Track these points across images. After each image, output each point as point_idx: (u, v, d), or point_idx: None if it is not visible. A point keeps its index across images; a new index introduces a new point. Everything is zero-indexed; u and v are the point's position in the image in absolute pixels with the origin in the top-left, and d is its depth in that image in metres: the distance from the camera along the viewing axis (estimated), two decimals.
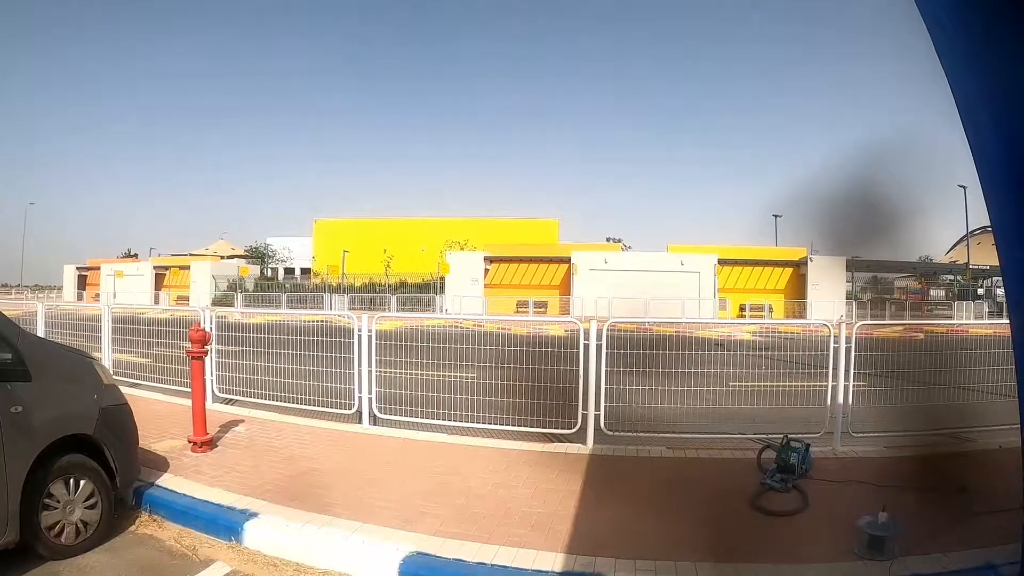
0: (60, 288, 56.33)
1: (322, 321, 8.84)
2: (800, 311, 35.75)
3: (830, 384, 6.51)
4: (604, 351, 6.58)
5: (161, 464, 5.55)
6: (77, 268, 55.43)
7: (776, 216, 50.06)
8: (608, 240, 57.30)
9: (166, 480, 5.17)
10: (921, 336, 8.63)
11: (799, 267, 38.85)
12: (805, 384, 6.99)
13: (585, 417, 6.52)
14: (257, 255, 60.01)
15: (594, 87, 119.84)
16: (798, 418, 6.47)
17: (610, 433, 6.49)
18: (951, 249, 52.06)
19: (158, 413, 7.51)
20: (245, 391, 8.08)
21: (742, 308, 37.12)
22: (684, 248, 40.12)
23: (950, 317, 32.32)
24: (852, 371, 6.52)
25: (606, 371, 6.58)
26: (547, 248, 44.71)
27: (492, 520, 4.46)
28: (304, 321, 9.11)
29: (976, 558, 3.72)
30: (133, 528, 4.54)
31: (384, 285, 45.28)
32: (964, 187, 38.41)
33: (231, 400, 8.23)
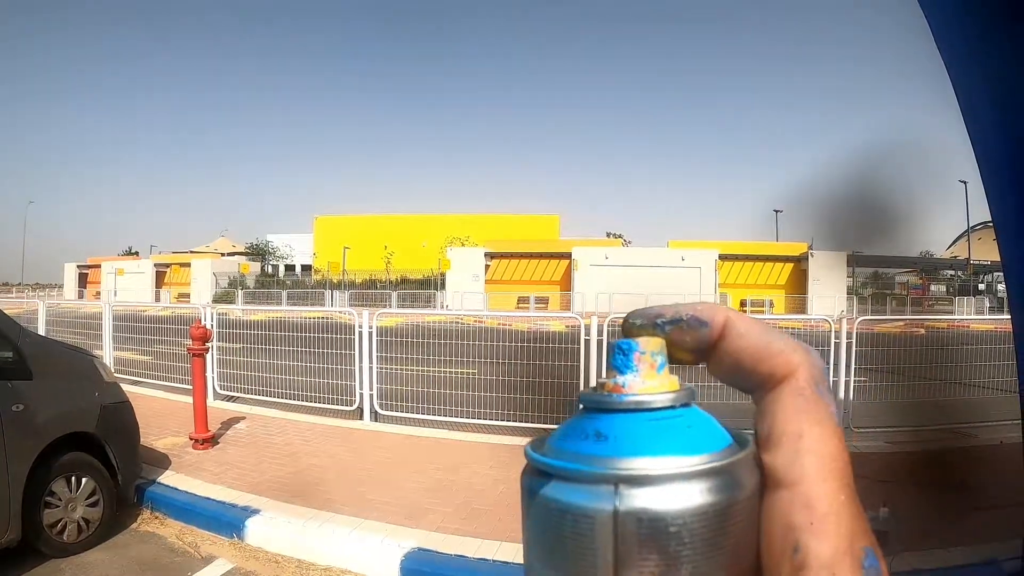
0: (61, 286, 56.35)
1: (323, 318, 8.84)
2: (801, 306, 35.78)
3: (831, 379, 6.50)
4: (604, 347, 6.56)
5: (163, 461, 5.56)
6: (78, 266, 55.44)
7: (777, 211, 50.10)
8: (609, 235, 57.22)
9: (168, 477, 5.18)
10: (922, 331, 8.62)
11: (800, 262, 38.84)
12: None
13: None
14: (258, 252, 59.98)
15: (595, 82, 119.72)
16: None
17: None
18: (952, 244, 52.04)
19: (159, 410, 7.52)
20: (246, 388, 8.09)
21: (743, 303, 37.10)
22: (685, 244, 40.13)
23: (951, 312, 32.33)
24: (853, 366, 6.51)
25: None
26: (548, 244, 44.71)
27: (494, 516, 4.46)
28: (305, 318, 9.11)
29: (978, 553, 3.72)
30: (135, 525, 4.55)
31: (385, 281, 45.30)
32: (965, 182, 38.44)
33: (232, 397, 8.23)
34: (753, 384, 0.34)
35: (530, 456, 0.33)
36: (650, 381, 0.33)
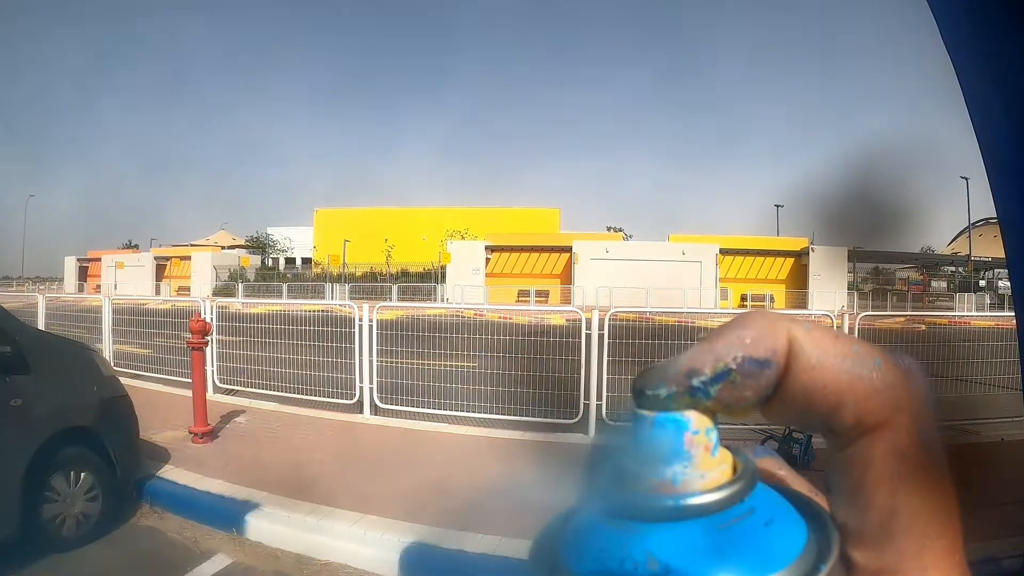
0: (61, 280, 56.29)
1: (323, 311, 8.84)
2: (801, 301, 35.74)
3: None
4: (606, 340, 6.57)
5: (162, 455, 5.54)
6: (78, 260, 55.38)
7: (778, 206, 50.07)
8: (609, 229, 57.14)
9: (167, 472, 5.17)
10: (923, 327, 8.61)
11: (800, 257, 38.81)
12: None
13: (587, 407, 6.52)
14: (258, 245, 59.96)
15: (596, 77, 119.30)
16: None
17: (612, 423, 6.48)
18: (953, 240, 51.99)
19: (159, 404, 7.49)
20: (246, 381, 8.08)
21: (743, 298, 37.10)
22: (686, 238, 40.13)
23: (952, 308, 32.31)
24: None
25: (608, 361, 6.57)
26: (548, 237, 44.68)
27: (494, 511, 4.45)
28: (305, 311, 9.10)
29: (977, 551, 3.70)
30: (134, 520, 4.54)
31: (385, 275, 45.33)
32: (966, 178, 38.42)
33: (232, 390, 8.22)
34: (828, 430, 0.24)
35: None
36: (710, 472, 0.24)
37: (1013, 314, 1.56)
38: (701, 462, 0.24)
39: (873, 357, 0.23)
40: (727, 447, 0.25)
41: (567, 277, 39.08)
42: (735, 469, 0.25)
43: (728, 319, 0.25)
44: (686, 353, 0.24)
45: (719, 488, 0.23)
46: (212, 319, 7.97)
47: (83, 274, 54.58)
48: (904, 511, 0.23)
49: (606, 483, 0.25)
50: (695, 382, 0.23)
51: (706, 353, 0.24)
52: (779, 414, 0.25)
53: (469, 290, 36.50)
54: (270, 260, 57.65)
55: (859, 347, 0.24)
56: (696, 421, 0.24)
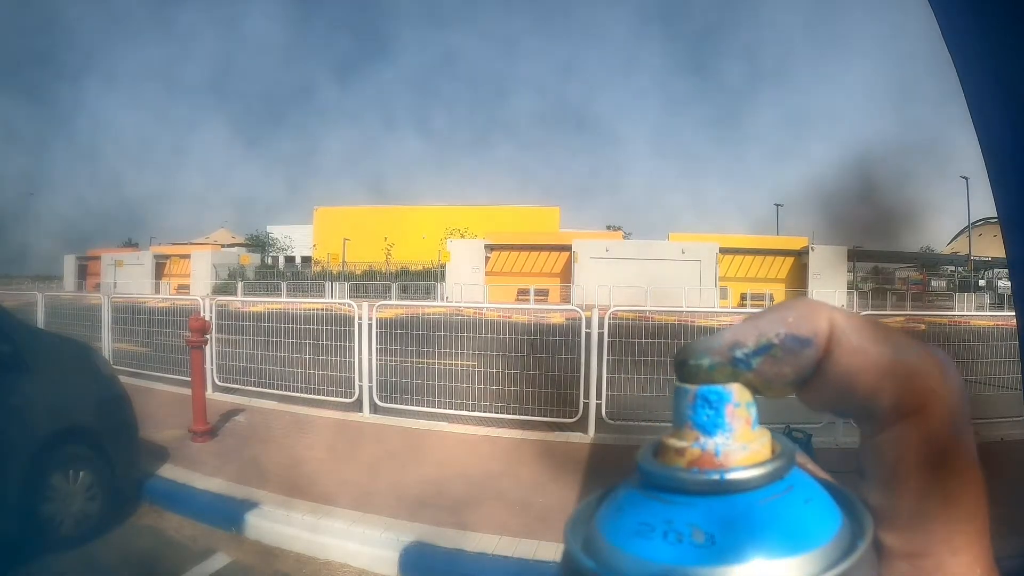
0: (61, 278, 56.17)
1: (323, 309, 8.83)
2: None
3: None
4: (605, 339, 6.56)
5: (161, 454, 5.54)
6: (77, 258, 55.31)
7: (778, 206, 50.07)
8: (609, 228, 57.11)
9: (166, 470, 5.17)
10: (923, 327, 8.60)
11: (800, 256, 38.81)
12: None
13: (586, 406, 6.51)
14: (258, 243, 59.92)
15: (596, 74, 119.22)
16: (800, 408, 6.42)
17: (611, 422, 6.48)
18: (953, 240, 51.98)
19: (158, 402, 7.50)
20: (246, 380, 8.07)
21: (743, 297, 37.08)
22: (686, 236, 40.11)
23: (951, 308, 32.31)
24: None
25: (607, 360, 6.57)
26: (548, 236, 44.66)
27: (493, 510, 4.45)
28: (305, 309, 9.10)
29: None
30: (133, 519, 4.53)
31: (385, 273, 45.33)
32: (966, 178, 38.42)
33: (232, 389, 8.21)
34: (863, 415, 0.25)
35: (591, 569, 0.23)
36: (751, 444, 0.24)
37: (1013, 314, 1.56)
38: (742, 434, 0.25)
39: (910, 345, 0.24)
40: (783, 442, 0.26)
41: (567, 276, 39.07)
42: (772, 448, 0.25)
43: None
44: (730, 328, 0.25)
45: (762, 464, 0.24)
46: (211, 317, 7.97)
47: (83, 272, 54.47)
48: (936, 496, 0.24)
49: (647, 456, 0.26)
50: (738, 353, 0.25)
51: (750, 328, 0.25)
52: (818, 397, 0.26)
53: (469, 288, 36.48)
54: (270, 258, 57.62)
55: (897, 335, 0.25)
56: (738, 394, 0.25)
